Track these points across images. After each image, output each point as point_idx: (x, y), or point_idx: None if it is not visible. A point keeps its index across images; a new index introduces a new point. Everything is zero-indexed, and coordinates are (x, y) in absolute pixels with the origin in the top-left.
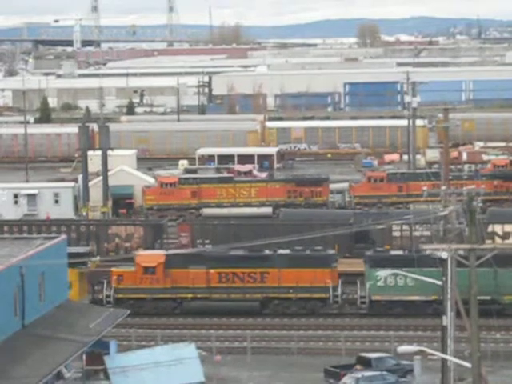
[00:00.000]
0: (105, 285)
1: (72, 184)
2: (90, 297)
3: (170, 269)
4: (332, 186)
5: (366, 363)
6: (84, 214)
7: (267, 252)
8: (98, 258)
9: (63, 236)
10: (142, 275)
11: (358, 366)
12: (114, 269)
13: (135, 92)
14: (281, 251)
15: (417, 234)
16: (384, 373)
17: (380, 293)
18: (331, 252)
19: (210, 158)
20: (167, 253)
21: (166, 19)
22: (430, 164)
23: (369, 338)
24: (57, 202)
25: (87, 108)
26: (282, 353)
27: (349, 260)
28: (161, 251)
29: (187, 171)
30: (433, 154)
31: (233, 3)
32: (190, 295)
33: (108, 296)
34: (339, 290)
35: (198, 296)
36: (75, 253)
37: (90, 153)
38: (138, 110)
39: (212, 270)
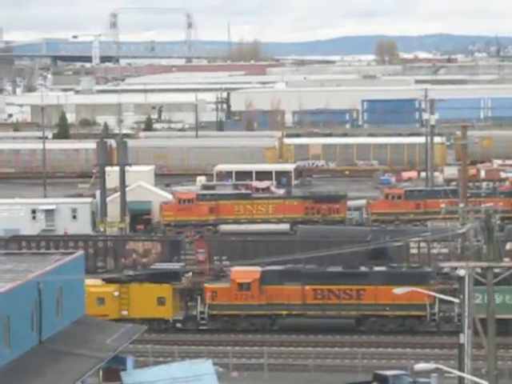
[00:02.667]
0: (199, 301)
1: (90, 200)
2: (183, 313)
3: (265, 285)
4: (350, 203)
5: (383, 381)
6: (101, 229)
7: (363, 269)
8: (191, 273)
9: (80, 252)
10: (237, 291)
11: (374, 383)
12: (207, 285)
13: (153, 108)
14: (377, 268)
15: (434, 251)
16: None
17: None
18: (428, 269)
19: (228, 174)
20: (262, 269)
21: (184, 35)
22: (447, 181)
23: (385, 356)
24: (74, 217)
25: (105, 124)
26: (299, 370)
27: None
28: (256, 267)
29: (205, 187)
30: (451, 172)
31: (252, 20)
32: (284, 312)
33: (202, 312)
34: (436, 307)
35: (293, 313)
36: (170, 269)
37: (107, 169)
38: (157, 125)
39: (307, 287)
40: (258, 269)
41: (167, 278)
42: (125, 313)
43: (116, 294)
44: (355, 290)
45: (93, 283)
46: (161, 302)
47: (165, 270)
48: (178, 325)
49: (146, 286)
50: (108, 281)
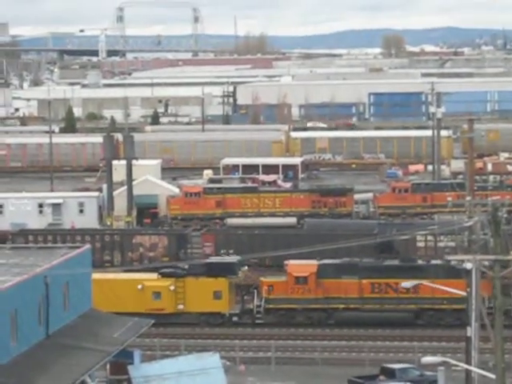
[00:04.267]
0: (255, 295)
1: (97, 194)
2: (239, 307)
3: (321, 279)
4: (356, 197)
5: (390, 374)
6: (108, 223)
7: (421, 262)
8: (247, 267)
9: (87, 245)
10: (294, 285)
11: (381, 377)
12: (263, 279)
13: (160, 102)
14: (434, 261)
15: (441, 244)
16: None
17: None
18: None
19: (235, 167)
20: (319, 262)
21: (191, 29)
22: (454, 174)
23: (393, 349)
24: (81, 211)
25: (112, 118)
26: (306, 363)
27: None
28: (312, 261)
29: (212, 181)
30: (457, 165)
31: (258, 14)
32: (341, 306)
33: (258, 306)
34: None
35: (350, 307)
36: (226, 262)
37: (114, 162)
38: (163, 119)
39: (365, 281)
40: (315, 262)
41: (223, 271)
42: (181, 307)
43: (172, 288)
44: None
45: (149, 277)
46: (217, 295)
47: (221, 263)
48: (235, 319)
49: (202, 280)
50: (164, 275)
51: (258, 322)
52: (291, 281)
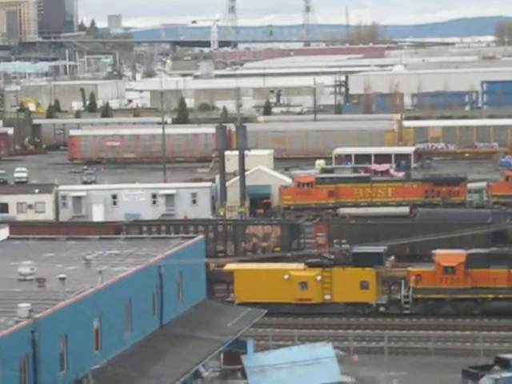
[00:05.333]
0: (402, 285)
1: (209, 184)
2: (386, 297)
3: (470, 268)
4: (470, 186)
5: (505, 364)
6: (221, 213)
7: None
8: (393, 257)
9: (201, 236)
10: (442, 275)
11: (496, 367)
12: (411, 268)
13: (272, 92)
14: None
15: None
16: None
17: None
18: None
19: (347, 157)
20: (468, 252)
21: (302, 19)
22: None
23: (508, 339)
24: (194, 202)
25: (224, 108)
26: (420, 353)
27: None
28: (461, 250)
29: (324, 171)
30: None
31: (370, 3)
32: (490, 295)
33: (406, 296)
34: None
35: (499, 296)
36: (373, 252)
37: (227, 153)
38: (275, 109)
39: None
40: (463, 252)
41: (371, 261)
42: (328, 297)
43: (319, 278)
44: None
45: (295, 267)
46: (364, 285)
47: (368, 253)
48: (381, 309)
49: (349, 270)
50: (311, 265)
51: (405, 312)
52: (439, 271)
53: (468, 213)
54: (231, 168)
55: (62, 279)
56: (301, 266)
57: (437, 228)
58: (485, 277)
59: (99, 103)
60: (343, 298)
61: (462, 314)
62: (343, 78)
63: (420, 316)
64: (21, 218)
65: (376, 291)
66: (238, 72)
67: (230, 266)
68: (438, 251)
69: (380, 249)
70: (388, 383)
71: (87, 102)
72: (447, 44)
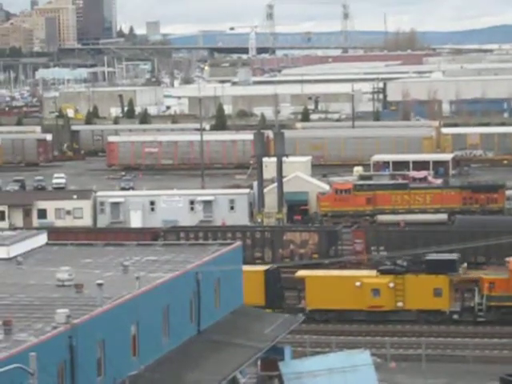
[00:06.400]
0: (476, 292)
1: (247, 191)
2: (459, 304)
3: None
4: (508, 193)
5: None
6: (259, 220)
7: None
8: (466, 264)
9: (238, 242)
10: None
11: None
12: (484, 276)
13: (310, 98)
14: None
15: None
16: None
17: None
18: None
19: (385, 164)
20: None
21: (340, 26)
22: None
23: None
24: (232, 208)
25: (262, 115)
26: (457, 361)
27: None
28: None
29: (362, 178)
30: None
31: (409, 10)
32: None
33: (480, 304)
34: None
35: None
36: (446, 259)
37: (265, 159)
38: (313, 116)
39: None
40: None
41: (444, 268)
42: (400, 304)
43: (391, 285)
44: None
45: (367, 274)
46: (437, 293)
47: (442, 260)
48: (455, 316)
49: (422, 277)
50: (383, 272)
51: (479, 319)
52: None
53: (506, 220)
54: (269, 175)
55: (100, 285)
56: (373, 272)
57: (475, 235)
58: None
59: (137, 109)
60: (416, 305)
61: None
62: (381, 84)
63: (454, 323)
64: (59, 223)
65: (449, 298)
66: (276, 79)
67: (301, 273)
68: (511, 258)
69: (453, 256)
70: None
71: (125, 109)
72: (486, 51)
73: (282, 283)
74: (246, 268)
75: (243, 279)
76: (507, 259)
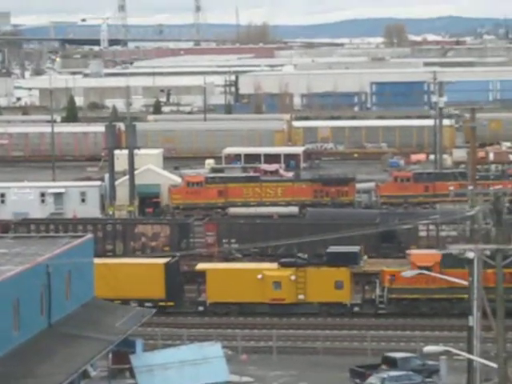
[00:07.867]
0: (377, 285)
1: (98, 183)
2: (360, 297)
3: (446, 268)
4: (358, 186)
5: (392, 363)
6: (110, 213)
7: None
8: (366, 257)
9: (89, 235)
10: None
11: (383, 366)
12: (385, 268)
13: (162, 91)
14: None
15: (443, 234)
16: (410, 373)
17: None
18: None
19: (237, 157)
20: (443, 252)
21: (192, 18)
22: (456, 164)
23: (394, 338)
24: (83, 200)
25: (114, 107)
26: (308, 352)
27: (375, 260)
28: (435, 250)
29: (214, 170)
30: (460, 154)
31: (260, 3)
32: (466, 296)
33: (381, 296)
34: None
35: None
36: (347, 251)
37: (116, 152)
38: (165, 108)
39: (489, 270)
40: (439, 252)
41: (345, 261)
42: (301, 297)
43: (293, 278)
44: None
45: (269, 267)
46: (338, 285)
47: (343, 252)
48: (356, 309)
49: (323, 270)
50: (284, 265)
51: (380, 312)
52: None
53: (356, 213)
54: (121, 167)
55: None
56: (274, 265)
57: (325, 228)
58: (460, 277)
59: None
60: (317, 298)
61: (437, 314)
62: (233, 77)
63: (304, 315)
64: None
65: (350, 291)
66: (128, 71)
67: (202, 266)
68: (412, 251)
69: (355, 248)
70: (277, 382)
71: None
72: (337, 45)
73: (181, 276)
74: (145, 261)
75: (143, 272)
76: (408, 252)
